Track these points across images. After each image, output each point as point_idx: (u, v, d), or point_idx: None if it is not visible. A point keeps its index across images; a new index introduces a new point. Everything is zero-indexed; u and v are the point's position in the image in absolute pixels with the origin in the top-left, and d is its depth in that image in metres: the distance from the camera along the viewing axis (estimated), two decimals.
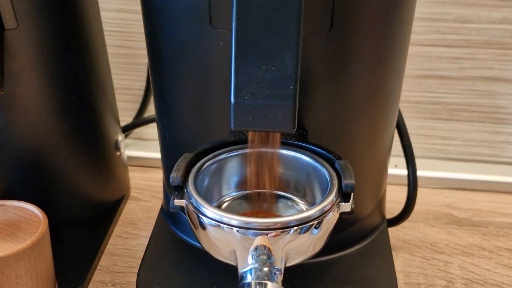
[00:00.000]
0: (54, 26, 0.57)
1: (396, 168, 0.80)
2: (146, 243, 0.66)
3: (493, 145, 0.84)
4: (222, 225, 0.42)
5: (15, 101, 0.58)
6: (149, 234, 0.70)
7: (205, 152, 0.49)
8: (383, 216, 0.64)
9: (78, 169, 0.66)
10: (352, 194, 0.45)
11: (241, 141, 0.49)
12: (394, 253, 0.61)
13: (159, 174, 0.83)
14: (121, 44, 0.82)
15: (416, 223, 0.74)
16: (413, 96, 0.81)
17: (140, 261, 0.64)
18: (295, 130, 0.41)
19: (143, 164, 0.84)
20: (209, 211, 0.43)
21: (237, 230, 0.42)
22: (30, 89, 0.58)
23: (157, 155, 0.84)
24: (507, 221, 0.75)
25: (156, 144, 0.87)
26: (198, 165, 0.47)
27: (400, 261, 0.67)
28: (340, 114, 0.50)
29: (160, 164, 0.84)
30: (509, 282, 0.64)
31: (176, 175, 0.44)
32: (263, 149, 0.48)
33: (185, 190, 0.45)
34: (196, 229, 0.45)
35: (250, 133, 0.47)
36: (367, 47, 0.47)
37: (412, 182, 0.65)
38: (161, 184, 0.80)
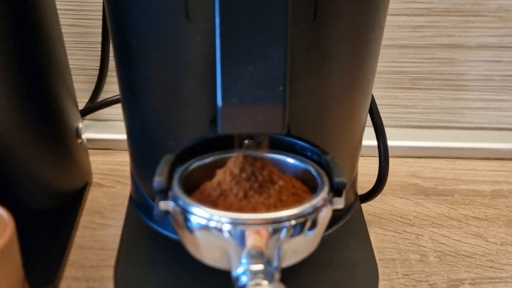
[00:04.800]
0: (7, 15, 0.53)
1: None
2: (115, 232, 0.64)
3: (453, 112, 0.85)
4: (212, 223, 0.41)
5: None
6: (117, 223, 0.68)
7: (186, 152, 0.47)
8: (356, 194, 0.64)
9: (40, 160, 0.63)
10: (343, 191, 0.44)
11: (222, 138, 0.47)
12: None
13: (120, 157, 0.81)
14: (73, 23, 0.78)
15: (385, 195, 0.74)
16: None
17: (111, 253, 0.62)
18: (286, 131, 0.40)
19: (102, 146, 0.82)
20: (199, 210, 0.41)
21: (229, 228, 0.41)
22: None
23: (117, 136, 0.82)
24: (471, 188, 0.76)
25: (115, 125, 0.85)
26: (182, 168, 0.45)
27: (373, 237, 0.67)
28: (321, 103, 0.49)
29: (120, 146, 0.82)
30: (480, 252, 0.65)
31: (159, 179, 0.42)
32: (250, 152, 0.46)
33: (170, 192, 0.43)
34: (183, 232, 0.43)
35: (236, 135, 0.45)
36: (348, 35, 0.46)
37: (384, 158, 0.65)
38: (124, 168, 0.78)
